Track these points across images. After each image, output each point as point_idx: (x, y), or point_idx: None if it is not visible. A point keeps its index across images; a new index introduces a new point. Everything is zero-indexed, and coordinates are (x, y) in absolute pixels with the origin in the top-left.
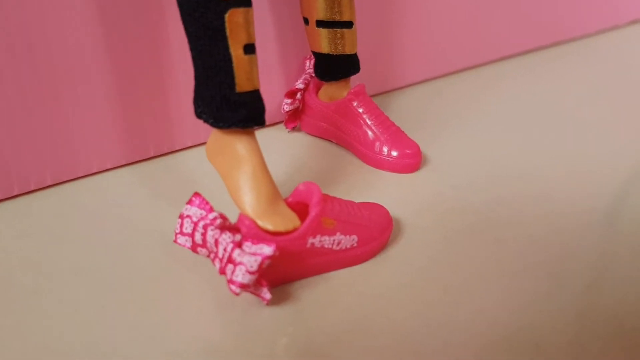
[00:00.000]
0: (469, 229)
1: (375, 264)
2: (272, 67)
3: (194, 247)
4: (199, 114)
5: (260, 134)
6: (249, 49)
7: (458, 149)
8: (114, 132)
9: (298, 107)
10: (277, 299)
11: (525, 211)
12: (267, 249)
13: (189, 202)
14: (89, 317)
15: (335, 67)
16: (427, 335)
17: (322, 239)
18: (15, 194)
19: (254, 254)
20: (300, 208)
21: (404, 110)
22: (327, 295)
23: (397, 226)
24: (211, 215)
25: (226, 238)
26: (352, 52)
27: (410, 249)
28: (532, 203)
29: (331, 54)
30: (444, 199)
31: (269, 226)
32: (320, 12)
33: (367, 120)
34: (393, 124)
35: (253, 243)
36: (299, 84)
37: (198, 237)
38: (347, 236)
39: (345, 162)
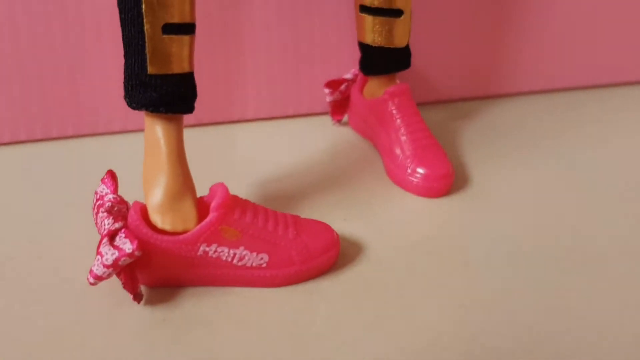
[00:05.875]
0: (439, 275)
1: (293, 291)
2: (328, 55)
3: (98, 228)
4: (124, 94)
5: (307, 121)
6: (171, 29)
7: (510, 182)
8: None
9: (342, 99)
10: (156, 300)
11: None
12: (128, 246)
13: (102, 179)
14: None
15: (376, 61)
16: None
17: (220, 249)
18: None
19: (115, 246)
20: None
21: (462, 123)
22: (212, 313)
23: (361, 255)
24: (107, 197)
25: (106, 224)
26: (401, 45)
27: (351, 284)
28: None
29: (371, 45)
30: (447, 237)
31: (158, 223)
32: None
33: (399, 127)
34: (430, 136)
35: (126, 236)
36: (348, 75)
37: (95, 218)
38: (254, 253)
39: (368, 171)
